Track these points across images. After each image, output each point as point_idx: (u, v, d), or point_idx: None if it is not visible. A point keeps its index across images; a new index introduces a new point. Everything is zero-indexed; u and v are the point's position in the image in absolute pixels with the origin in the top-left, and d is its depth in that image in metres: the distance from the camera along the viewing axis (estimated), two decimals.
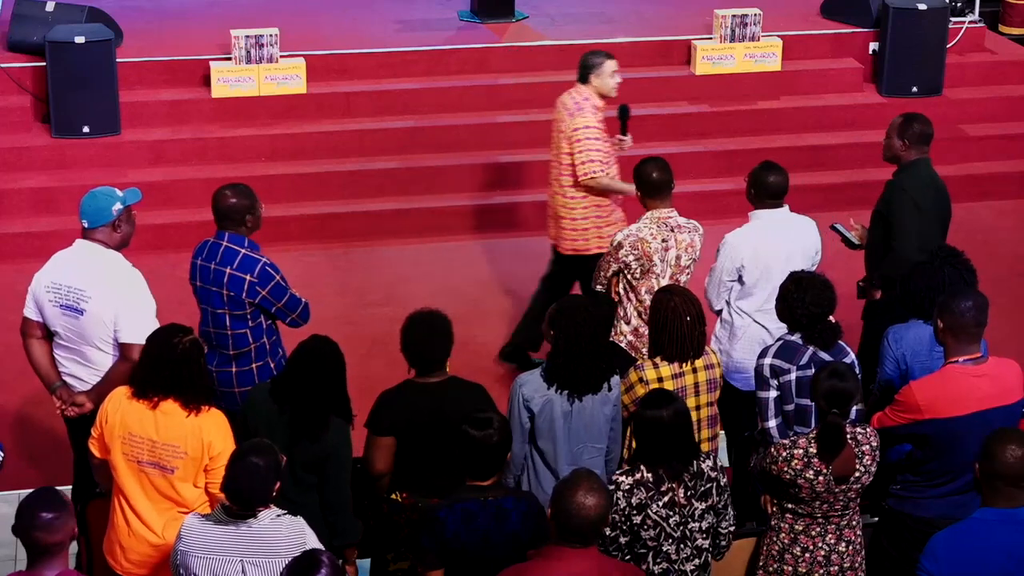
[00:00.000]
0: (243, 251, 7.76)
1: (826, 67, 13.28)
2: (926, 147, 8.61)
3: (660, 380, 7.20)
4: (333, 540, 6.82)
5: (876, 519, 7.28)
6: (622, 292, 8.38)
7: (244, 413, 7.04)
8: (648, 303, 8.15)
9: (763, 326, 8.18)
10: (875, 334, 7.96)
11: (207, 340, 7.77)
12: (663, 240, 8.25)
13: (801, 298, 7.24)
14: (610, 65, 9.61)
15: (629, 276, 8.31)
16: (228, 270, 7.73)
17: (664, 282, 8.18)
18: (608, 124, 9.73)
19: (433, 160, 12.17)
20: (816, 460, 6.54)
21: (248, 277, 7.72)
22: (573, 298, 7.21)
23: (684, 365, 7.26)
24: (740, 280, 8.24)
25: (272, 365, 7.90)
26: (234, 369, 7.88)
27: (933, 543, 5.87)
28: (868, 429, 6.70)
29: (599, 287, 8.47)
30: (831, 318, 7.25)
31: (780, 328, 7.78)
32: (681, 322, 7.22)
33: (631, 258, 8.26)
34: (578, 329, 6.96)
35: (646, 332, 8.13)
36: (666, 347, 7.27)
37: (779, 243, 8.22)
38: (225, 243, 7.78)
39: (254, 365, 7.89)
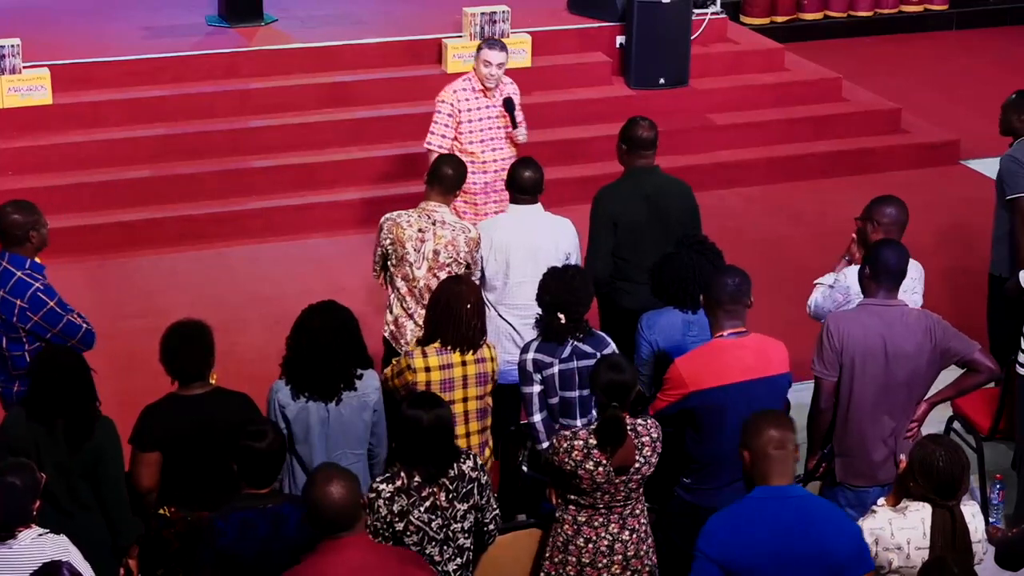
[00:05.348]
0: (19, 274, 7.54)
1: (575, 62, 13.46)
2: (646, 151, 8.55)
3: (427, 369, 7.22)
4: (117, 540, 6.80)
5: (657, 507, 7.38)
6: (387, 280, 8.38)
7: (4, 441, 6.84)
8: (404, 291, 8.19)
9: (506, 320, 8.27)
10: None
11: None
12: (420, 230, 8.22)
13: (546, 281, 7.37)
14: (483, 54, 9.87)
15: (390, 264, 8.31)
16: (1, 292, 7.52)
17: (420, 274, 8.19)
18: None
19: (186, 167, 12.00)
20: (596, 451, 6.61)
21: (19, 302, 7.51)
22: (321, 302, 7.16)
23: (454, 355, 7.27)
24: (483, 271, 8.31)
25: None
26: (16, 388, 7.67)
27: (708, 525, 5.97)
28: (649, 421, 6.79)
29: (374, 273, 8.45)
30: (562, 316, 7.30)
31: (524, 324, 7.93)
32: (460, 309, 7.23)
33: (388, 242, 8.24)
34: (312, 334, 6.93)
35: (405, 324, 8.16)
36: (444, 331, 7.26)
37: (523, 239, 8.28)
38: (4, 263, 7.57)
39: None
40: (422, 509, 6.38)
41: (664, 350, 7.48)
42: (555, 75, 13.27)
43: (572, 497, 6.76)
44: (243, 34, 13.08)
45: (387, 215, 8.33)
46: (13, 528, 5.94)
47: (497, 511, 6.68)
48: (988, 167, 12.54)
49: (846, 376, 7.08)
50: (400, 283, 8.27)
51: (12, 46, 11.85)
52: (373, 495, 6.36)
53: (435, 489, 6.41)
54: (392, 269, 8.30)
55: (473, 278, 8.17)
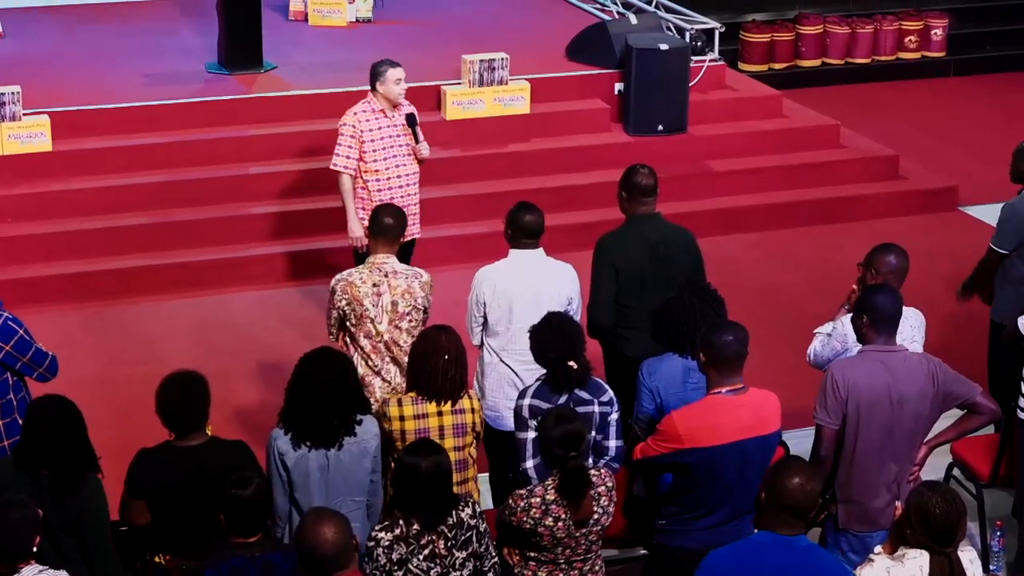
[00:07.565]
0: None
1: (574, 108, 13.49)
2: (646, 198, 8.55)
3: (402, 418, 7.23)
4: None
5: (645, 552, 7.36)
6: (348, 341, 8.33)
7: None
8: (368, 349, 8.18)
9: (508, 366, 8.25)
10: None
11: None
12: (374, 285, 8.18)
13: (540, 339, 7.34)
14: (393, 73, 10.20)
15: (349, 324, 8.26)
16: None
17: (382, 328, 8.16)
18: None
19: (185, 214, 12.02)
20: (555, 507, 6.57)
21: None
22: (318, 350, 7.14)
23: (429, 406, 7.26)
24: (486, 316, 8.29)
25: (21, 422, 7.65)
26: None
27: (709, 558, 5.98)
28: (602, 471, 6.78)
29: (331, 336, 8.41)
30: (572, 363, 7.27)
31: (527, 370, 7.86)
32: (437, 359, 7.23)
33: (344, 303, 8.22)
34: (311, 383, 6.92)
35: (373, 382, 8.12)
36: (419, 381, 7.28)
37: (525, 284, 8.25)
38: None
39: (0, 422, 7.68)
40: (421, 557, 6.36)
41: (663, 399, 7.45)
42: (554, 121, 13.30)
43: (532, 554, 6.70)
44: (243, 81, 13.12)
45: (338, 276, 8.30)
46: (16, 563, 5.95)
47: (496, 559, 6.64)
48: (987, 213, 12.56)
49: (851, 423, 7.06)
50: (364, 341, 8.22)
51: (12, 93, 11.88)
52: (372, 543, 6.33)
53: (434, 537, 6.38)
54: (352, 329, 8.24)
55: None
